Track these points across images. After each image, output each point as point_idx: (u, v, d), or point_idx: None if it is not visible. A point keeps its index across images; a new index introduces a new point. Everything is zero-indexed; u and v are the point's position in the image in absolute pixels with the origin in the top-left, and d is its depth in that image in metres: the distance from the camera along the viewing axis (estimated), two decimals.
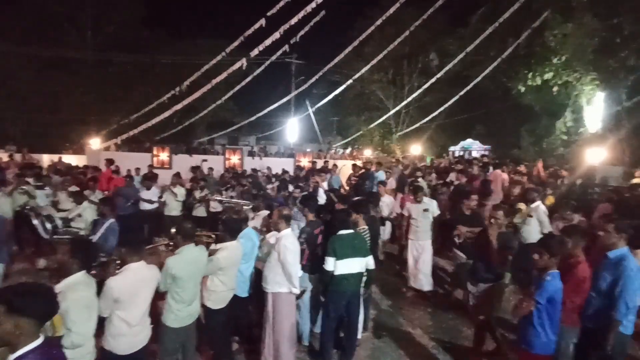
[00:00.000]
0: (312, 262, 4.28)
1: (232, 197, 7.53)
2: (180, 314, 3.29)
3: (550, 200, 6.89)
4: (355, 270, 4.01)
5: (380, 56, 16.34)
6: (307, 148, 28.10)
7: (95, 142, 15.28)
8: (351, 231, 4.16)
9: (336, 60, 16.15)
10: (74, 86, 21.19)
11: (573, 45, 12.75)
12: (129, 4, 23.02)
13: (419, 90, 18.24)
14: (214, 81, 13.56)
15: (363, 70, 16.99)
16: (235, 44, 13.07)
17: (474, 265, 4.45)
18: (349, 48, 15.58)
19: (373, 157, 18.43)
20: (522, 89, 14.30)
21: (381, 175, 9.82)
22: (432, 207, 6.15)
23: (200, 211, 8.22)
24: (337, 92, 17.90)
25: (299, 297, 4.01)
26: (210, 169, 11.01)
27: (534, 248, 3.22)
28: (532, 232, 5.43)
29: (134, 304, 2.92)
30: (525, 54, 15.13)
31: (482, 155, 14.05)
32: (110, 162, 10.19)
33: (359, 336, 4.48)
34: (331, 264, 3.84)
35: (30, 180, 7.85)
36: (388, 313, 5.50)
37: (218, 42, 21.09)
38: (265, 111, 17.55)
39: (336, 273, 3.86)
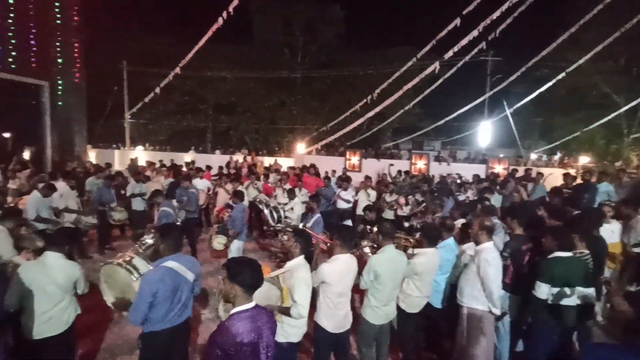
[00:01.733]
0: (517, 282, 3.81)
1: (422, 201, 7.49)
2: (378, 311, 3.49)
3: None
4: (573, 302, 3.36)
5: (610, 39, 13.06)
6: (500, 153, 25.30)
7: (300, 147, 17.96)
8: (571, 254, 3.50)
9: (545, 52, 13.88)
10: (287, 101, 25.49)
11: None
12: (330, 26, 26.05)
13: None
14: (405, 87, 13.79)
15: (583, 60, 13.96)
16: (427, 48, 12.96)
17: None
18: (564, 36, 13.12)
19: (593, 165, 14.98)
20: None
21: (605, 187, 7.86)
22: None
23: (388, 214, 8.52)
24: (543, 88, 15.37)
25: (498, 318, 3.64)
26: (399, 172, 11.26)
27: None
28: None
29: (338, 290, 3.27)
30: None
31: None
32: (312, 167, 11.76)
33: None
34: (545, 291, 3.31)
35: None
36: None
37: (406, 49, 21.58)
38: (456, 114, 16.70)
39: (550, 302, 3.32)
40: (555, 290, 3.33)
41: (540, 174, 9.59)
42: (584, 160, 16.98)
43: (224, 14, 11.36)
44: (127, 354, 4.28)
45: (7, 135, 13.83)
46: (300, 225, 5.83)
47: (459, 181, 10.68)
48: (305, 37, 26.58)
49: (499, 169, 13.67)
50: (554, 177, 10.68)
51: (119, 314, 4.51)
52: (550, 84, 15.18)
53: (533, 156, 21.17)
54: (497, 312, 3.52)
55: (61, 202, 6.69)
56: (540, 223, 4.52)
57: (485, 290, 3.47)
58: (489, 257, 3.48)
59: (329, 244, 3.57)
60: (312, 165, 11.98)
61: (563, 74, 14.72)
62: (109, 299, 3.40)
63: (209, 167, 11.05)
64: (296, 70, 25.71)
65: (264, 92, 25.18)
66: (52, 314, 3.09)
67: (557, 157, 19.76)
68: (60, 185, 7.08)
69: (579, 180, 9.14)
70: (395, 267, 3.49)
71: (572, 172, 11.13)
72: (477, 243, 3.67)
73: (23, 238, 4.06)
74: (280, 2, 24.99)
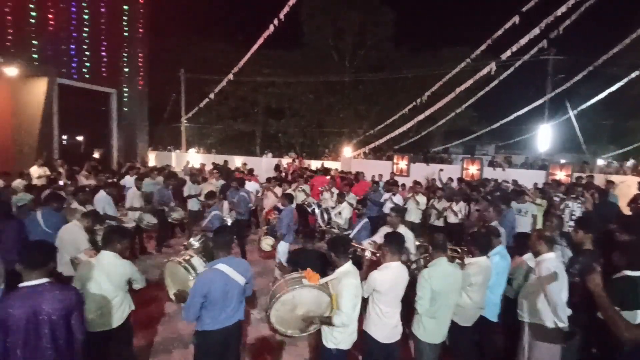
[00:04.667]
0: (587, 302, 3.48)
1: (477, 210, 7.16)
2: (429, 326, 3.32)
3: None
4: None
5: None
6: (561, 159, 23.47)
7: (347, 151, 17.90)
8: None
9: (617, 49, 12.72)
10: (335, 105, 25.59)
11: None
12: (380, 28, 25.73)
13: None
14: (458, 90, 13.27)
15: None
16: (483, 47, 12.38)
17: None
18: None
19: None
20: None
21: None
22: None
23: (438, 221, 8.22)
24: (614, 87, 14.08)
25: (568, 337, 3.33)
26: (450, 179, 10.85)
27: None
28: None
29: (389, 298, 3.18)
30: None
31: None
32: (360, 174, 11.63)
33: None
34: None
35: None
36: None
37: (459, 50, 20.74)
38: (513, 116, 15.78)
39: None
40: (627, 313, 2.98)
41: (610, 182, 8.78)
42: None
43: (275, 21, 11.68)
44: (181, 348, 4.48)
45: (80, 138, 15.21)
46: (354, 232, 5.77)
47: (512, 186, 10.07)
48: (354, 40, 26.48)
49: (561, 175, 12.69)
50: (626, 186, 9.74)
51: (177, 307, 4.73)
52: (622, 82, 13.90)
53: (600, 162, 19.43)
54: (564, 326, 3.22)
55: (128, 201, 7.25)
56: (611, 237, 4.12)
57: (549, 305, 3.20)
58: (551, 268, 3.22)
59: (378, 255, 3.47)
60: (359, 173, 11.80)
61: (638, 72, 13.39)
62: (172, 292, 3.60)
63: (251, 170, 11.37)
64: (344, 73, 25.73)
65: (312, 96, 25.44)
66: (106, 309, 3.23)
67: (629, 163, 17.91)
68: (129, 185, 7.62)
69: None
70: (452, 282, 3.30)
71: None
72: (537, 254, 3.43)
73: (94, 235, 4.43)
74: (330, 6, 25.11)
